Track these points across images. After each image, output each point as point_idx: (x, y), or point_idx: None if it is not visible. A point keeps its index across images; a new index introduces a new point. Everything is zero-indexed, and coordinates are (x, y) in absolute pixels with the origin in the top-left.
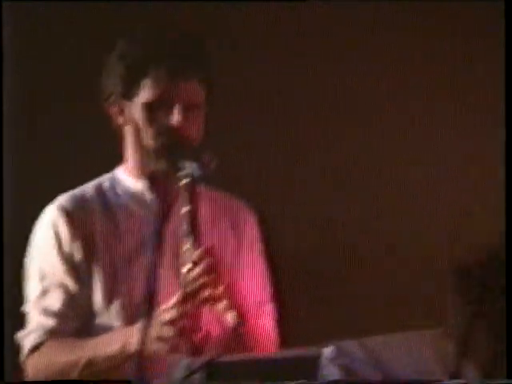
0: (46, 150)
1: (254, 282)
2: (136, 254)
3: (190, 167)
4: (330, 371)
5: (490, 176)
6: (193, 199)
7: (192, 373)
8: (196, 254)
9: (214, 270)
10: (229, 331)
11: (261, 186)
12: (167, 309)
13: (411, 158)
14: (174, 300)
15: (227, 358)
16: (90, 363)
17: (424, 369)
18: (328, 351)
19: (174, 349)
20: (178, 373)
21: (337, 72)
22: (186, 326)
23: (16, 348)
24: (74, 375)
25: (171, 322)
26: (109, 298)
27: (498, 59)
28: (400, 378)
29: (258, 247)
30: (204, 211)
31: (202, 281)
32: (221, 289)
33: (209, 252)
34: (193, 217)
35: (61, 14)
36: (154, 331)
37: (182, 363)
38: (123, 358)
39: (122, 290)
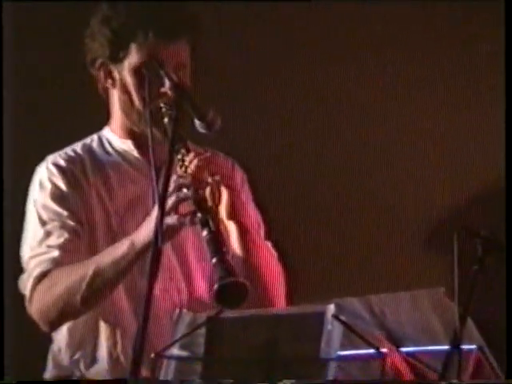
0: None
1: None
2: (129, 208)
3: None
4: (334, 327)
5: (494, 142)
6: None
7: (195, 329)
8: (190, 155)
9: (209, 163)
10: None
11: (253, 149)
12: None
13: (415, 119)
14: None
15: (229, 314)
16: (98, 272)
17: (426, 327)
18: (331, 308)
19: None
20: (181, 328)
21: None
22: (184, 196)
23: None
24: (82, 290)
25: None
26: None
27: (498, 58)
28: (402, 335)
29: (249, 201)
30: None
31: (201, 171)
32: (218, 178)
33: (202, 154)
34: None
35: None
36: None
37: (186, 319)
38: (131, 257)
39: (119, 235)
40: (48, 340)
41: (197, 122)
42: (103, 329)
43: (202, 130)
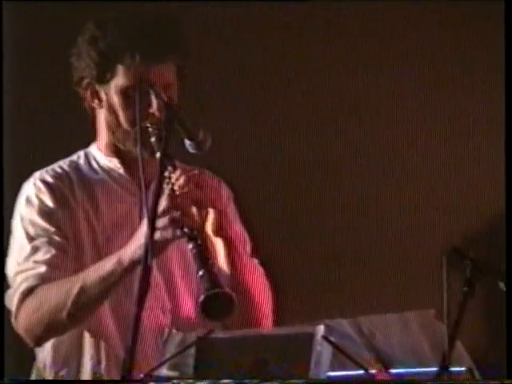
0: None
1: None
2: (115, 225)
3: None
4: (323, 348)
5: (489, 160)
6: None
7: (184, 348)
8: (177, 172)
9: (195, 180)
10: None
11: (240, 167)
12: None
13: (409, 143)
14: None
15: (219, 334)
16: (84, 288)
17: (416, 349)
18: (321, 329)
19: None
20: (171, 348)
21: (332, 66)
22: (176, 216)
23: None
24: (68, 306)
25: (163, 213)
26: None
27: (498, 59)
28: (392, 356)
29: (235, 219)
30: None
31: (188, 188)
32: (204, 194)
33: (188, 171)
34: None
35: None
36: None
37: (175, 339)
38: (118, 274)
39: (105, 252)
40: None
41: (187, 142)
42: (87, 347)
43: (192, 150)
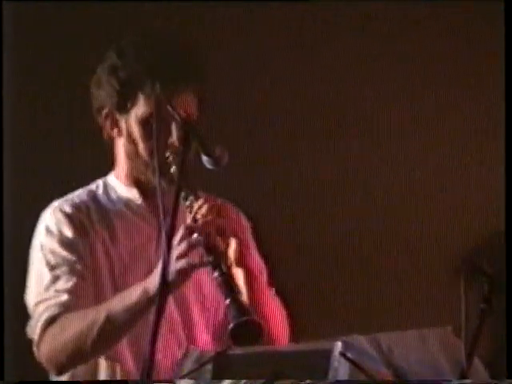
0: (44, 152)
1: (255, 262)
2: (132, 256)
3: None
4: (341, 365)
5: (495, 178)
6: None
7: (202, 364)
8: (199, 201)
9: (217, 209)
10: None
11: (256, 195)
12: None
13: (418, 159)
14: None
15: (237, 350)
16: (109, 318)
17: (434, 365)
18: (338, 345)
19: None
20: (188, 364)
21: (335, 75)
22: (195, 241)
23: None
24: (93, 335)
25: (182, 239)
26: (112, 287)
27: (497, 60)
28: (410, 373)
29: (254, 248)
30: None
31: (211, 216)
32: (226, 223)
33: (211, 200)
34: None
35: (61, 14)
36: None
37: (192, 355)
38: (143, 304)
39: (122, 282)
40: None
41: (204, 158)
42: (102, 373)
43: (209, 166)
